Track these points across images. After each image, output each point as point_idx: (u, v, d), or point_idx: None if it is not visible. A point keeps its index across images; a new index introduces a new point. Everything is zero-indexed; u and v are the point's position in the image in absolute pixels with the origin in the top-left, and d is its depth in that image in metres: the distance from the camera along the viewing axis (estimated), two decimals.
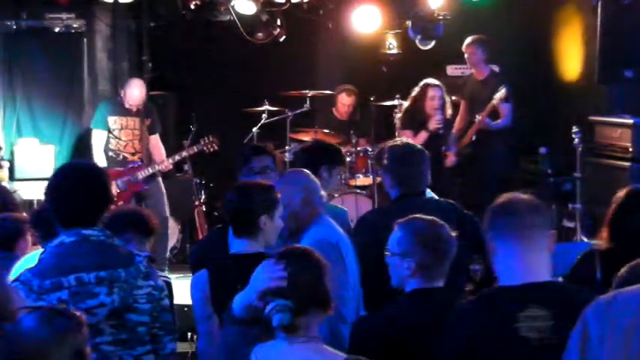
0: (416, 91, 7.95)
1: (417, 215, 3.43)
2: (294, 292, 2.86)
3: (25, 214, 4.98)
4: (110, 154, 7.74)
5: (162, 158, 7.90)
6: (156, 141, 7.99)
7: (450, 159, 8.06)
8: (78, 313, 2.64)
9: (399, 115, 8.07)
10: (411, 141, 4.96)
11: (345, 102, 8.98)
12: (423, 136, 7.79)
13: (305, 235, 4.05)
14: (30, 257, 3.93)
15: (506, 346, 2.75)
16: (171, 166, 7.96)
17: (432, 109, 7.84)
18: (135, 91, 7.71)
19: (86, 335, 2.60)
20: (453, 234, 3.39)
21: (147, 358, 3.20)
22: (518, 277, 2.83)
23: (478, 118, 7.98)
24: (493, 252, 2.89)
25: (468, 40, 8.21)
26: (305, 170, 4.34)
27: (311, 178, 4.24)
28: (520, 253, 2.84)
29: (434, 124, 7.81)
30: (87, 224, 3.16)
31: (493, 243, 2.89)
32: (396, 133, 7.98)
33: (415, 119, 7.92)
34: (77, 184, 3.22)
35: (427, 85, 7.88)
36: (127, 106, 7.73)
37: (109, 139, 7.74)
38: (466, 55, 8.25)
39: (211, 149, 7.94)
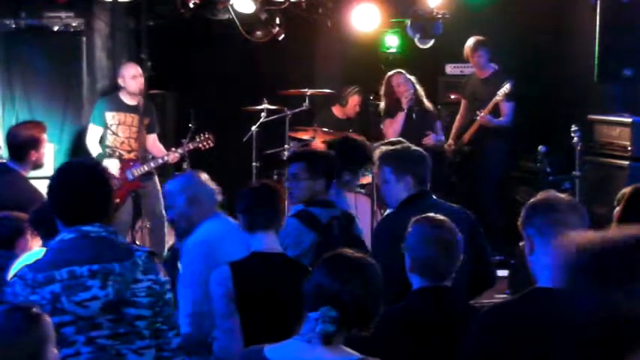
0: (383, 87, 8.15)
1: (431, 214, 3.46)
2: (346, 307, 2.63)
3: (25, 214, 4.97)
4: (107, 150, 7.73)
5: (164, 153, 7.89)
6: (154, 140, 7.98)
7: (428, 140, 7.96)
8: (40, 314, 2.64)
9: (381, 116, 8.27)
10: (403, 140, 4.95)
11: (357, 102, 9.03)
12: (400, 116, 7.96)
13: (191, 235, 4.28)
14: (30, 255, 3.92)
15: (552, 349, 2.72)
16: (178, 158, 7.94)
17: (402, 94, 7.99)
18: (132, 71, 7.74)
19: (46, 338, 2.59)
20: (459, 237, 3.40)
21: (147, 353, 3.19)
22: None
23: (480, 114, 7.99)
24: (530, 249, 2.86)
25: (471, 42, 8.20)
26: (195, 173, 4.56)
27: (195, 181, 4.42)
28: None
29: (405, 101, 7.94)
30: (88, 221, 3.16)
31: (531, 240, 2.85)
32: (381, 127, 8.23)
33: (393, 108, 8.08)
34: (77, 181, 3.23)
35: (389, 77, 8.11)
36: (126, 99, 7.73)
37: (106, 135, 7.73)
38: (472, 58, 8.23)
39: (207, 146, 7.95)
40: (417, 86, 8.08)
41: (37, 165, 6.17)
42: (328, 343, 2.61)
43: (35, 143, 6.10)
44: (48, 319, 2.67)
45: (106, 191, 3.26)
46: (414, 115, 7.99)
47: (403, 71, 8.09)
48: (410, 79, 8.04)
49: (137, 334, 3.16)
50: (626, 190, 4.40)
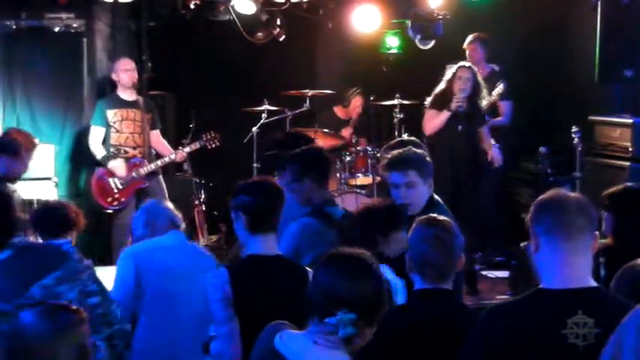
0: (448, 73, 7.48)
1: (432, 215, 3.47)
2: (361, 306, 2.63)
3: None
4: (112, 150, 7.71)
5: (170, 151, 7.89)
6: (157, 136, 7.98)
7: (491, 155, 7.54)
8: (79, 309, 2.66)
9: (428, 99, 7.52)
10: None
11: (359, 104, 9.01)
12: (444, 115, 7.32)
13: None
14: None
15: (552, 351, 2.72)
16: (185, 157, 7.97)
17: (457, 89, 7.32)
18: (124, 65, 7.75)
19: (88, 330, 2.60)
20: (459, 238, 3.40)
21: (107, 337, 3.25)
22: (564, 281, 2.78)
23: None
24: (536, 248, 2.84)
25: (469, 38, 8.24)
26: (160, 202, 4.91)
27: (156, 207, 4.74)
28: (566, 254, 2.78)
29: (454, 102, 7.28)
30: (12, 235, 3.35)
31: (538, 239, 2.83)
32: (425, 113, 7.53)
33: (444, 100, 7.39)
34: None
35: (458, 67, 7.42)
36: (124, 95, 7.74)
37: (109, 133, 7.72)
38: (467, 53, 8.26)
39: (213, 145, 7.95)
40: (480, 83, 7.46)
41: (10, 177, 6.12)
42: (350, 344, 2.60)
43: (15, 149, 6.07)
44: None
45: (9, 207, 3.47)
46: (459, 119, 7.35)
47: (473, 67, 7.48)
48: (473, 78, 7.36)
49: (99, 322, 3.21)
50: (615, 189, 4.39)
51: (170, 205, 4.82)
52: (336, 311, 2.58)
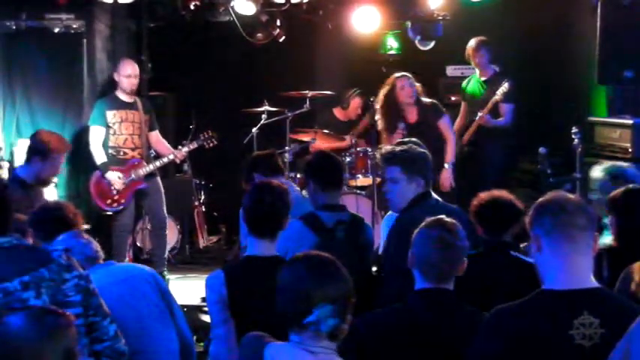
0: (385, 88, 7.72)
1: (442, 216, 3.47)
2: (340, 298, 2.67)
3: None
4: (110, 151, 7.70)
5: (171, 151, 7.88)
6: (157, 136, 7.96)
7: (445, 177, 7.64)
8: (67, 312, 2.65)
9: (379, 122, 7.69)
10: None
11: (358, 104, 9.01)
12: (399, 133, 7.50)
13: None
14: None
15: (560, 352, 2.73)
16: (185, 155, 7.97)
17: (406, 98, 7.63)
18: (127, 70, 7.69)
19: (75, 334, 2.60)
20: (464, 242, 3.39)
21: (85, 352, 3.20)
22: (567, 282, 2.79)
23: (479, 114, 7.99)
24: (538, 249, 2.85)
25: (472, 43, 8.20)
26: (72, 235, 4.18)
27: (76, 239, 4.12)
28: (569, 255, 2.80)
29: (399, 130, 7.54)
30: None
31: (539, 241, 2.84)
32: (383, 137, 7.63)
33: (392, 116, 7.65)
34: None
35: (395, 78, 7.68)
36: (124, 97, 7.71)
37: (108, 135, 7.70)
38: (473, 58, 8.22)
39: (210, 144, 7.94)
40: (422, 94, 7.72)
41: (40, 179, 6.12)
42: (336, 338, 2.62)
43: (43, 151, 6.07)
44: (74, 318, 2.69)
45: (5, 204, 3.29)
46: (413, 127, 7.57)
47: (408, 74, 7.71)
48: (417, 88, 7.66)
49: (77, 333, 3.17)
50: (617, 191, 4.38)
51: (84, 235, 4.19)
52: (313, 309, 2.60)
